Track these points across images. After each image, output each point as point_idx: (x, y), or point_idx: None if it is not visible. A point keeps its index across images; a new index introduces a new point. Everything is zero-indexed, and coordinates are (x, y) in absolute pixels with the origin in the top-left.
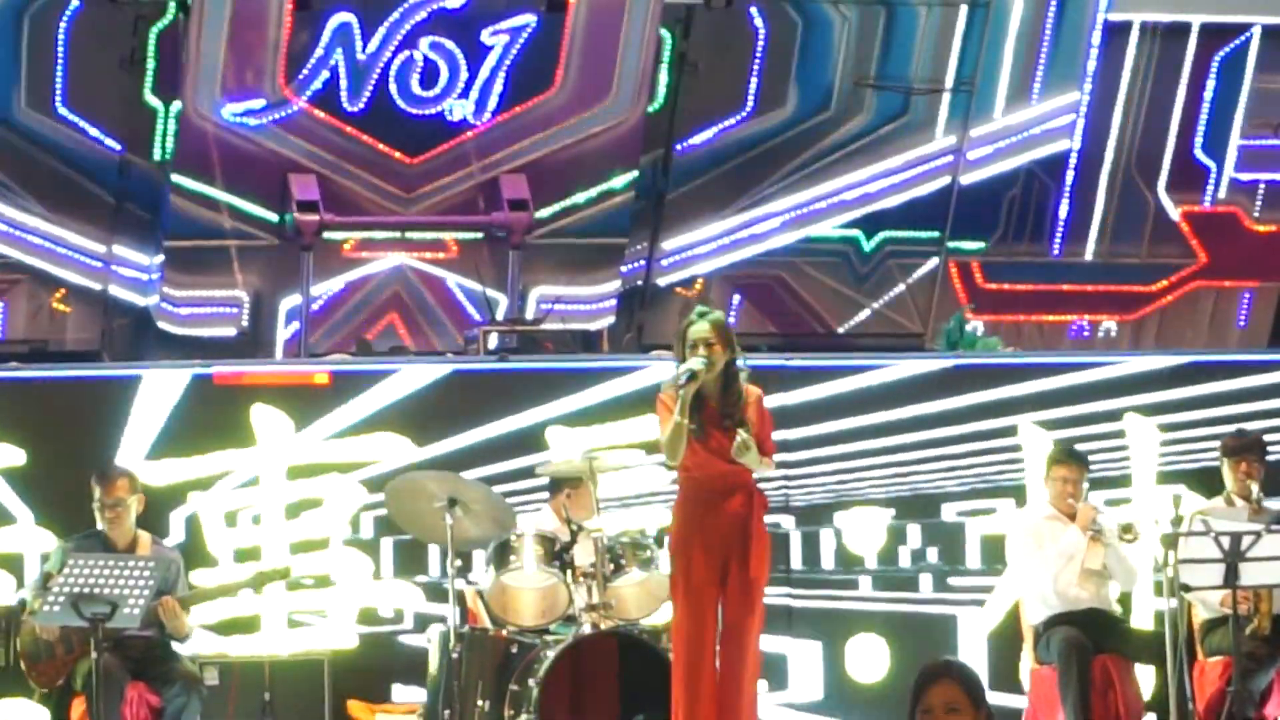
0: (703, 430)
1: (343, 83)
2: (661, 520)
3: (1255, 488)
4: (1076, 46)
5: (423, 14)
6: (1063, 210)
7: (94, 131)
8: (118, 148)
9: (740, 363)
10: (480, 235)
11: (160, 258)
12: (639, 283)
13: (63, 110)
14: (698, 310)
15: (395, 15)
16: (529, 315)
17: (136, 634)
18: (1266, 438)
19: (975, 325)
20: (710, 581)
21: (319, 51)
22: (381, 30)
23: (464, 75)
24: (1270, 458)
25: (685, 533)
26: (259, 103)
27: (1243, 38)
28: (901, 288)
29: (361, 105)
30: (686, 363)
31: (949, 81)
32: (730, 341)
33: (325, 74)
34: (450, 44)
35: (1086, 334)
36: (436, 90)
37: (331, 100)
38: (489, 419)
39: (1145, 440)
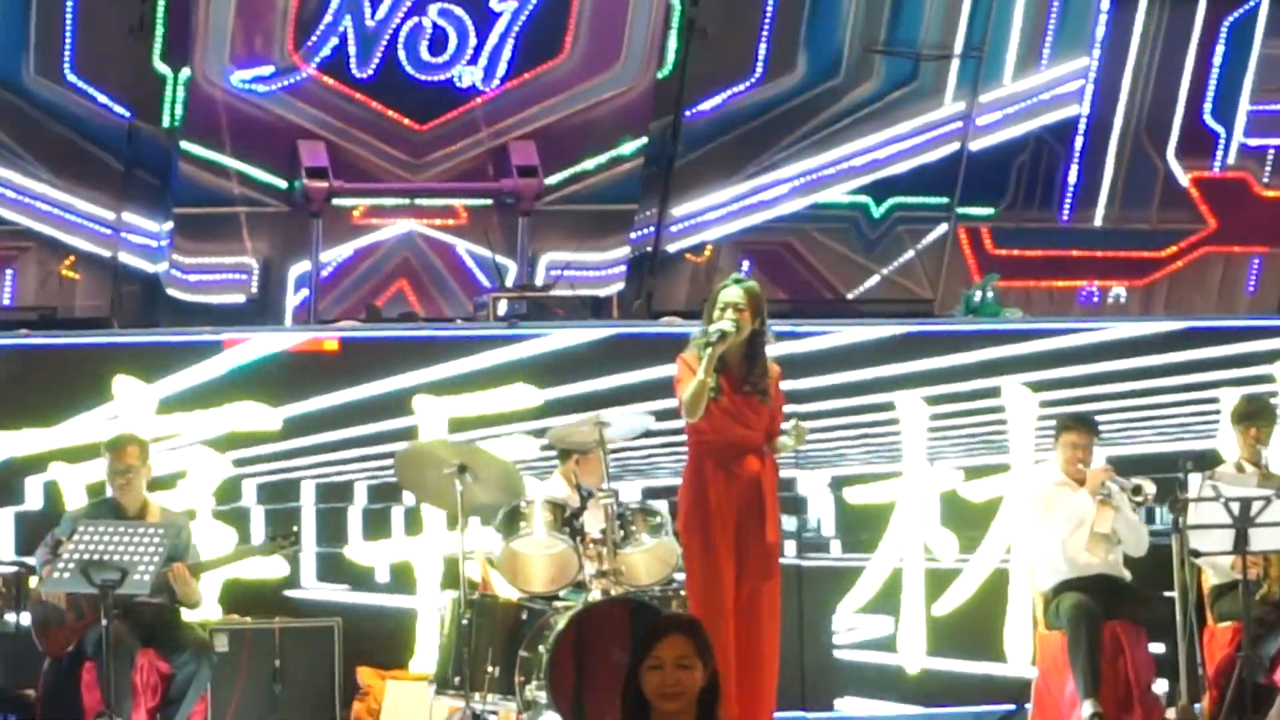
0: (720, 393)
1: (351, 49)
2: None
3: (1265, 453)
4: (1085, 12)
5: None
6: (1072, 176)
7: (103, 98)
8: (126, 114)
9: (769, 333)
10: (489, 202)
11: (169, 224)
12: (648, 249)
13: (71, 77)
14: (734, 276)
15: None
16: (539, 281)
17: (146, 600)
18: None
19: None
20: (728, 548)
21: (328, 18)
22: None
23: (473, 41)
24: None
25: (700, 499)
26: (268, 69)
27: (1252, 3)
28: (911, 254)
29: (370, 72)
30: (717, 323)
31: (958, 47)
32: (760, 311)
33: (334, 40)
34: (459, 10)
35: (1096, 300)
36: (445, 57)
37: (340, 67)
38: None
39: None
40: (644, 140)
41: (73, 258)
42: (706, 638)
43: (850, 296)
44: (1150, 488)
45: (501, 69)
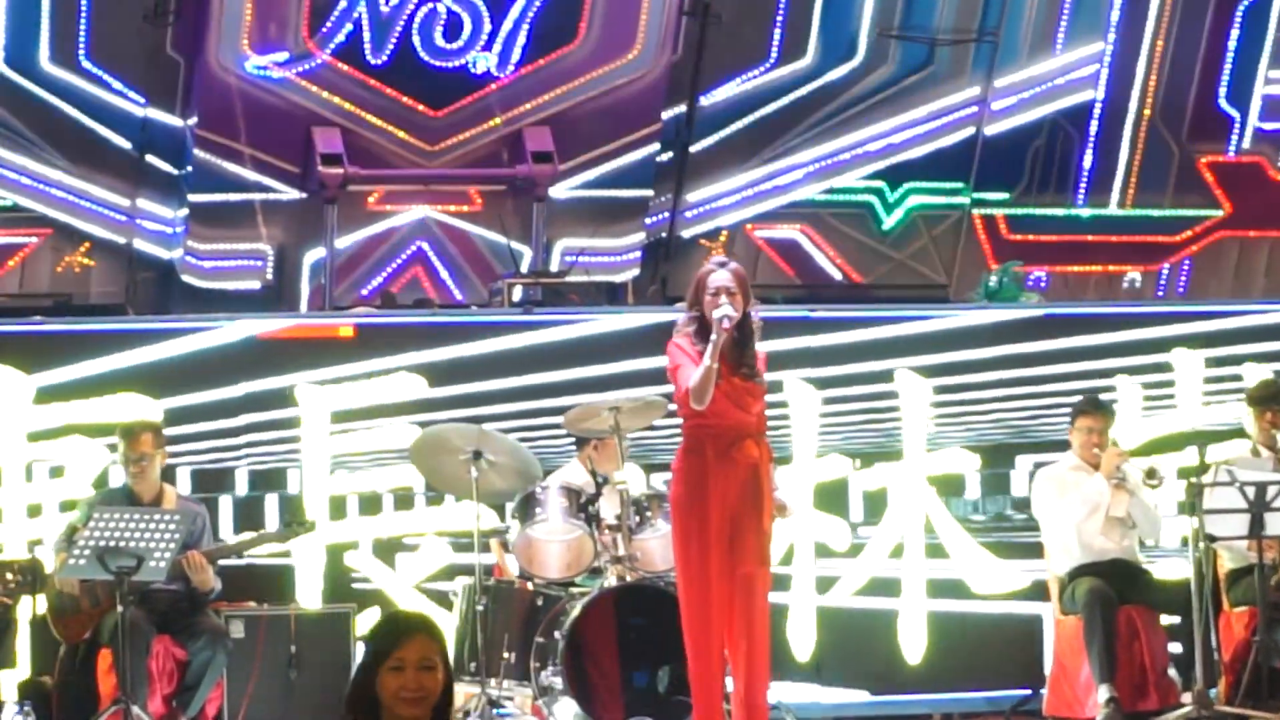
0: (719, 378)
1: (366, 35)
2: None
3: None
4: None
5: None
6: (1087, 161)
7: (118, 85)
8: (141, 101)
9: (756, 315)
10: (504, 188)
11: (184, 211)
12: (663, 235)
13: (86, 64)
14: (717, 260)
15: None
16: (554, 267)
17: (162, 587)
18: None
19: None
20: (722, 534)
21: (342, 4)
22: None
23: (487, 27)
24: None
25: (697, 483)
26: (282, 56)
27: None
28: (926, 239)
29: (385, 58)
30: (720, 309)
31: (973, 32)
32: (748, 293)
33: (348, 27)
34: None
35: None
36: (460, 43)
37: (355, 53)
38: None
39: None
40: (658, 126)
41: (87, 245)
42: (445, 640)
43: (865, 282)
44: (1164, 471)
45: (516, 55)
